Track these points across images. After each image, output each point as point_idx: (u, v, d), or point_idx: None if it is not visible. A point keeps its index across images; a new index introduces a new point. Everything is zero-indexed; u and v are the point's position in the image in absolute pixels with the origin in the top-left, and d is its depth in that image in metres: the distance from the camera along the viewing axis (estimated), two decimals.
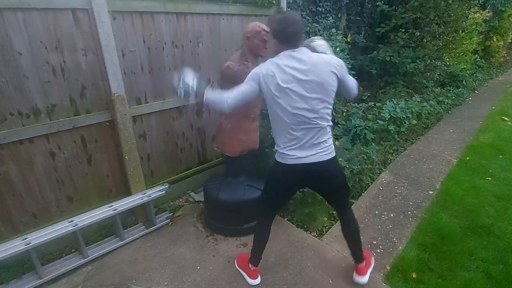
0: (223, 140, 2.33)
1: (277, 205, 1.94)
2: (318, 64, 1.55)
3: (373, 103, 4.41)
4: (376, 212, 2.80)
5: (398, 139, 4.26)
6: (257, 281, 2.02)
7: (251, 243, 2.38)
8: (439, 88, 6.44)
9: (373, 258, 2.14)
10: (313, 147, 1.62)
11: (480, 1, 6.42)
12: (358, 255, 2.00)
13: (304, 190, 2.57)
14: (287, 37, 1.57)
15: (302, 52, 1.58)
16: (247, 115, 2.26)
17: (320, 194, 2.02)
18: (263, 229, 1.97)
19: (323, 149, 1.64)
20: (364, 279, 1.98)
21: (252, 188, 2.46)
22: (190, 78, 1.73)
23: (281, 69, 1.53)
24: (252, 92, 1.62)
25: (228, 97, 1.64)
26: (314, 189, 1.98)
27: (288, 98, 1.54)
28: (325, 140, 1.64)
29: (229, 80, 2.12)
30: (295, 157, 1.62)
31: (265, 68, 1.57)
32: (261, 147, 2.64)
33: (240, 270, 2.11)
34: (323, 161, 1.64)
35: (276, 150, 1.71)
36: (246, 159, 2.60)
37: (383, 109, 4.02)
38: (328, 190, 1.85)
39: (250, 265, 2.02)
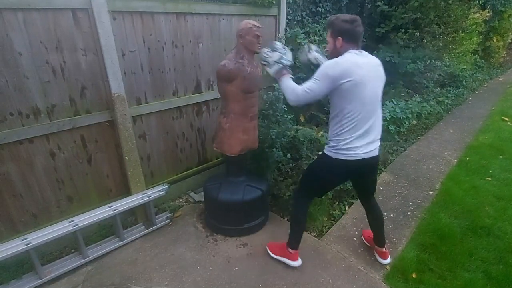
0: (222, 139, 2.33)
1: (324, 193, 2.20)
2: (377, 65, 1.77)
3: None
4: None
5: (398, 139, 4.26)
6: (300, 261, 2.14)
7: (251, 243, 2.40)
8: (439, 88, 6.44)
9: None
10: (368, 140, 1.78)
11: (480, 1, 6.41)
12: (382, 241, 2.20)
13: None
14: (355, 36, 1.72)
15: (365, 53, 1.75)
16: (245, 114, 2.27)
17: (360, 185, 2.15)
18: (305, 212, 2.09)
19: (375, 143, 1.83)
20: (388, 261, 2.20)
21: (252, 188, 2.46)
22: (290, 57, 1.85)
23: (357, 65, 1.64)
24: (324, 93, 1.71)
25: (308, 90, 1.69)
26: (359, 180, 2.09)
27: (369, 91, 1.68)
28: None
29: (225, 78, 2.13)
30: (355, 151, 1.75)
31: (348, 62, 1.64)
32: (261, 147, 2.64)
33: (280, 258, 2.19)
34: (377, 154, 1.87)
35: (336, 145, 1.79)
36: (246, 159, 2.60)
37: (383, 110, 4.02)
38: (369, 180, 2.06)
39: (290, 250, 2.13)
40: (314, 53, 2.05)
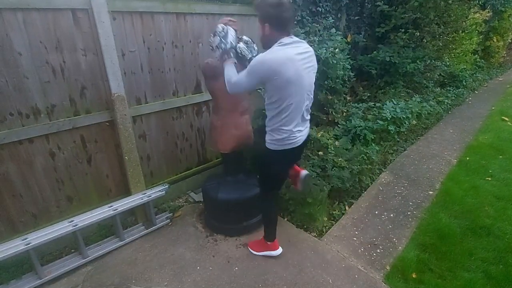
0: (214, 138, 2.34)
1: (281, 185, 2.22)
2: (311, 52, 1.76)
3: (373, 103, 4.41)
4: (376, 212, 2.80)
5: (398, 139, 4.26)
6: (280, 249, 2.25)
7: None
8: (439, 88, 6.44)
9: None
10: (305, 122, 1.86)
11: (480, 1, 6.42)
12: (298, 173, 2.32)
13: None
14: (283, 23, 1.61)
15: (301, 41, 1.70)
16: (236, 109, 2.27)
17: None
18: (272, 206, 2.17)
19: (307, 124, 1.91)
20: (305, 171, 2.26)
21: (250, 186, 2.46)
22: (231, 39, 1.81)
23: (286, 58, 1.58)
24: (253, 87, 1.75)
25: (236, 83, 1.72)
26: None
27: (302, 83, 1.67)
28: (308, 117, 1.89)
29: (210, 75, 2.15)
30: (299, 135, 1.81)
31: (274, 60, 1.58)
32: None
33: (262, 253, 2.26)
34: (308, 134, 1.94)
35: (279, 138, 1.78)
36: (243, 158, 2.60)
37: (383, 109, 4.02)
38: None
39: (268, 242, 2.22)
40: (229, 41, 1.87)
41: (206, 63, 2.15)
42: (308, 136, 1.97)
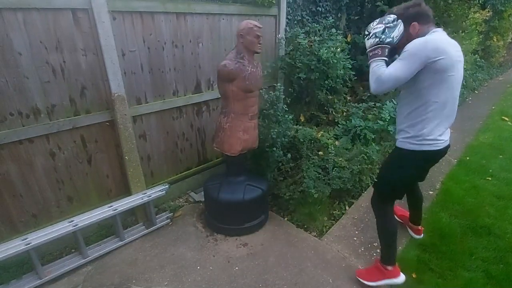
0: (222, 139, 2.33)
1: (404, 193, 2.06)
2: None
3: (373, 103, 4.40)
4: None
5: None
6: (403, 276, 1.91)
7: (251, 243, 2.39)
8: None
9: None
10: (448, 125, 1.74)
11: (480, 1, 6.41)
12: (419, 219, 2.38)
13: (305, 190, 2.56)
14: (428, 15, 1.64)
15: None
16: (246, 113, 2.27)
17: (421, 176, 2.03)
18: (392, 218, 1.96)
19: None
20: (421, 236, 2.40)
21: (252, 187, 2.46)
22: (396, 33, 1.58)
23: (448, 42, 1.56)
24: (414, 72, 1.52)
25: (391, 75, 1.52)
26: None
27: (457, 75, 1.59)
28: None
29: (226, 78, 2.13)
30: (438, 139, 1.68)
31: (432, 45, 1.50)
32: (261, 146, 2.64)
33: (383, 282, 1.92)
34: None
35: (414, 132, 1.67)
36: (246, 158, 2.60)
37: (383, 109, 4.02)
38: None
39: (388, 267, 1.91)
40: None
41: (223, 65, 2.10)
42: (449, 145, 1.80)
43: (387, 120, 3.86)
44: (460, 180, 3.32)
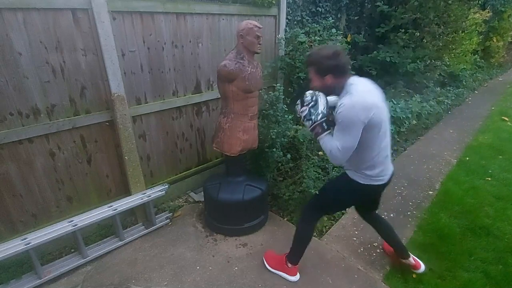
0: (222, 139, 2.33)
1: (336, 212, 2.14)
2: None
3: None
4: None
5: (398, 139, 4.26)
6: (298, 276, 2.07)
7: (251, 243, 2.40)
8: (439, 88, 6.43)
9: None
10: (389, 161, 1.77)
11: (480, 1, 6.41)
12: (404, 250, 2.11)
13: (305, 190, 2.57)
14: (344, 68, 1.59)
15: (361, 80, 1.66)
16: (246, 114, 2.27)
17: (370, 204, 2.09)
18: (313, 228, 2.02)
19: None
20: (423, 268, 2.12)
21: (252, 188, 2.46)
22: (321, 108, 1.59)
23: (368, 91, 1.60)
24: (359, 135, 1.54)
25: (344, 148, 1.54)
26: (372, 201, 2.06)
27: (385, 115, 1.63)
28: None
29: (226, 79, 2.13)
30: (383, 175, 1.73)
31: (360, 107, 1.50)
32: (260, 146, 2.64)
33: (276, 272, 2.11)
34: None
35: (362, 172, 1.70)
36: (245, 158, 2.60)
37: None
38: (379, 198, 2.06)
39: (289, 264, 2.06)
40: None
41: (223, 65, 2.10)
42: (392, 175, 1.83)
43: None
44: (460, 180, 3.33)
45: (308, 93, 1.64)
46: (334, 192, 1.91)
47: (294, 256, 2.05)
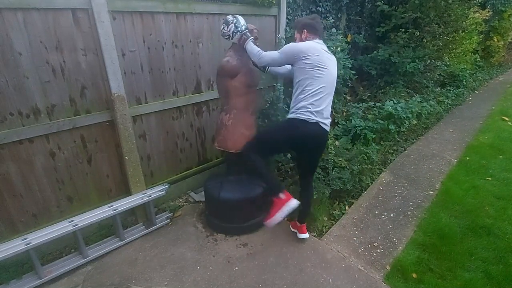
0: (225, 137, 2.34)
1: (269, 156, 2.48)
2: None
3: (373, 103, 4.41)
4: (376, 212, 2.80)
5: (398, 139, 4.26)
6: (295, 201, 2.09)
7: (251, 243, 2.40)
8: (439, 88, 6.44)
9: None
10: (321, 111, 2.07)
11: (480, 1, 6.40)
12: (305, 217, 2.42)
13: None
14: (316, 28, 2.11)
15: (325, 46, 2.13)
16: (247, 109, 2.32)
17: (306, 160, 2.31)
18: (261, 160, 2.19)
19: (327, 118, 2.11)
20: (306, 235, 2.40)
21: (253, 186, 2.46)
22: (242, 22, 2.13)
23: (315, 47, 2.01)
24: (285, 63, 2.08)
25: (265, 55, 2.05)
26: (307, 154, 2.27)
27: (329, 70, 2.02)
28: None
29: (229, 74, 2.18)
30: (317, 118, 2.03)
31: (306, 47, 1.98)
32: None
33: (283, 212, 2.07)
34: (324, 129, 2.09)
35: (297, 111, 2.03)
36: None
37: (384, 107, 4.02)
38: (316, 156, 2.30)
39: (280, 195, 2.10)
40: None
41: (226, 61, 2.19)
42: (326, 133, 2.13)
43: (389, 115, 3.87)
44: (460, 180, 3.32)
45: (228, 16, 2.14)
46: (267, 133, 2.30)
47: (275, 186, 2.15)
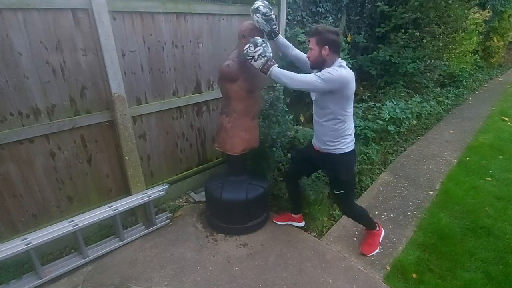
0: (224, 139, 2.33)
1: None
2: None
3: (373, 103, 4.41)
4: (376, 212, 2.80)
5: (398, 140, 4.26)
6: (303, 223, 2.56)
7: (251, 243, 2.40)
8: (439, 88, 6.44)
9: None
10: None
11: (480, 1, 6.41)
12: (301, 208, 2.58)
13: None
14: (339, 47, 1.93)
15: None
16: (248, 113, 2.28)
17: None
18: (357, 207, 2.37)
19: None
20: (303, 223, 2.59)
21: (254, 186, 2.47)
22: (269, 48, 1.95)
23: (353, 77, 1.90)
24: (318, 90, 1.92)
25: (299, 79, 1.86)
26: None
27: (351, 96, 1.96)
28: None
29: (229, 78, 2.14)
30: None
31: (343, 75, 1.83)
32: (261, 146, 2.64)
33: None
34: None
35: (345, 141, 2.04)
36: (247, 158, 2.60)
37: (382, 110, 4.02)
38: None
39: (377, 229, 2.37)
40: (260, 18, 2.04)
41: (226, 65, 2.12)
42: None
43: (386, 120, 3.87)
44: (460, 180, 3.32)
45: (257, 38, 1.96)
46: (351, 176, 2.23)
47: (369, 225, 2.35)
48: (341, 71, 1.83)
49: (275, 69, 1.90)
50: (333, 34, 1.85)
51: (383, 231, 2.41)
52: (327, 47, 1.84)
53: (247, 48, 1.93)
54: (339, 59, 1.91)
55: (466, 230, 2.55)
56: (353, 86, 1.89)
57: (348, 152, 2.05)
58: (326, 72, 1.82)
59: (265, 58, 1.91)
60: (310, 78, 1.84)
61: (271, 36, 2.12)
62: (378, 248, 2.32)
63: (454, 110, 5.99)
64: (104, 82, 2.23)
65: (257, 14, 2.02)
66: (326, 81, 1.81)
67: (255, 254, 2.29)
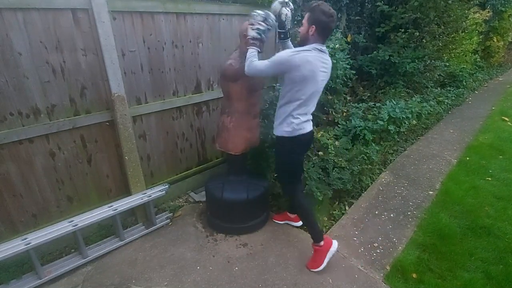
0: (225, 139, 2.34)
1: (300, 176, 2.25)
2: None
3: (373, 103, 4.40)
4: (376, 212, 2.80)
5: (398, 139, 4.26)
6: (336, 242, 2.16)
7: (251, 243, 2.40)
8: (439, 88, 6.44)
9: None
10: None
11: (480, 1, 6.41)
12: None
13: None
14: (327, 32, 1.86)
15: (326, 53, 1.90)
16: (249, 112, 2.29)
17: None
18: (303, 197, 2.24)
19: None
20: (300, 223, 2.53)
21: (255, 186, 2.47)
22: (268, 34, 1.98)
23: (310, 61, 1.80)
24: (270, 74, 1.95)
25: (256, 65, 1.86)
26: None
27: (314, 81, 1.85)
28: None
29: (231, 78, 2.14)
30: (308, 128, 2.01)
31: (298, 58, 1.78)
32: (261, 146, 2.64)
33: (326, 259, 2.12)
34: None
35: (288, 125, 1.94)
36: (247, 158, 2.60)
37: (382, 110, 4.02)
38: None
39: (321, 243, 2.12)
40: (287, 11, 2.05)
41: (229, 64, 2.14)
42: (312, 134, 2.11)
43: (386, 120, 3.87)
44: (460, 180, 3.32)
45: (270, 16, 1.95)
46: (283, 161, 2.15)
47: (315, 234, 2.14)
48: (294, 54, 1.78)
49: (253, 52, 1.92)
50: (325, 16, 1.78)
51: (334, 247, 2.12)
52: (314, 26, 1.81)
53: (257, 15, 1.93)
54: (316, 44, 1.83)
55: (466, 230, 2.55)
56: (304, 71, 1.78)
57: (288, 137, 1.97)
58: (277, 55, 1.83)
59: (259, 37, 1.93)
60: (261, 64, 1.85)
61: (286, 35, 2.09)
62: (322, 266, 2.10)
63: (454, 110, 5.99)
64: (104, 82, 2.23)
65: (287, 8, 2.03)
66: (274, 63, 1.81)
67: (255, 254, 2.29)
